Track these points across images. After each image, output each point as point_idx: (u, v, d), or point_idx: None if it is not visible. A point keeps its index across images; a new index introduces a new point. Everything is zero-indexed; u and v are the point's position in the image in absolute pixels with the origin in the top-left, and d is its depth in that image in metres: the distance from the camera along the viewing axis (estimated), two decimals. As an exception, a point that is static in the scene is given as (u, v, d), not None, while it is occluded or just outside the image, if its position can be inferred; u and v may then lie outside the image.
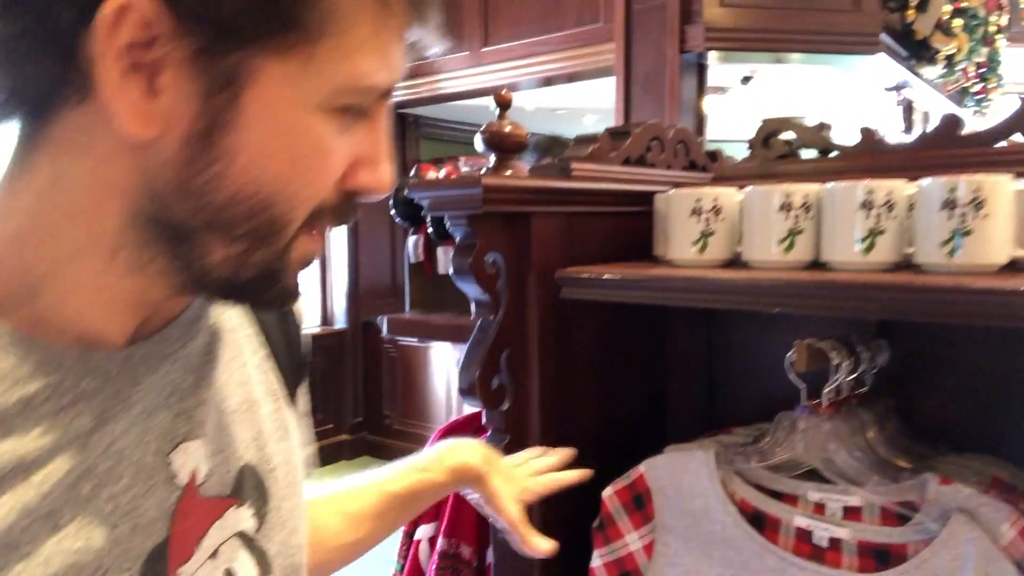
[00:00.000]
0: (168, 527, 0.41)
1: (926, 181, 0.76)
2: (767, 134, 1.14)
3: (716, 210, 0.91)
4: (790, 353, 0.86)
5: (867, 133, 1.05)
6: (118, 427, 0.40)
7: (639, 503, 0.96)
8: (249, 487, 0.48)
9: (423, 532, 1.43)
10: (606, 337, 1.05)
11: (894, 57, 2.96)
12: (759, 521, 0.90)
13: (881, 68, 3.02)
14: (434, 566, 1.35)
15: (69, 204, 0.38)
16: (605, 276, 0.88)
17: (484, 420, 0.99)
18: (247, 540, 0.47)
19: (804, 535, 0.87)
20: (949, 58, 3.08)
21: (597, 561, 0.98)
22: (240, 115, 0.36)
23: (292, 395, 0.56)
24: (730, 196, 0.91)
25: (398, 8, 0.40)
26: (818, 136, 1.11)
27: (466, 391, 0.95)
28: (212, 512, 0.45)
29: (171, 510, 0.42)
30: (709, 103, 3.13)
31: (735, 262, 0.92)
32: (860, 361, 0.89)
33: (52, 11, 0.33)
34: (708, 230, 0.91)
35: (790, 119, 1.14)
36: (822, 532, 0.86)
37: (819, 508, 0.88)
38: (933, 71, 3.17)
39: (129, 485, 0.40)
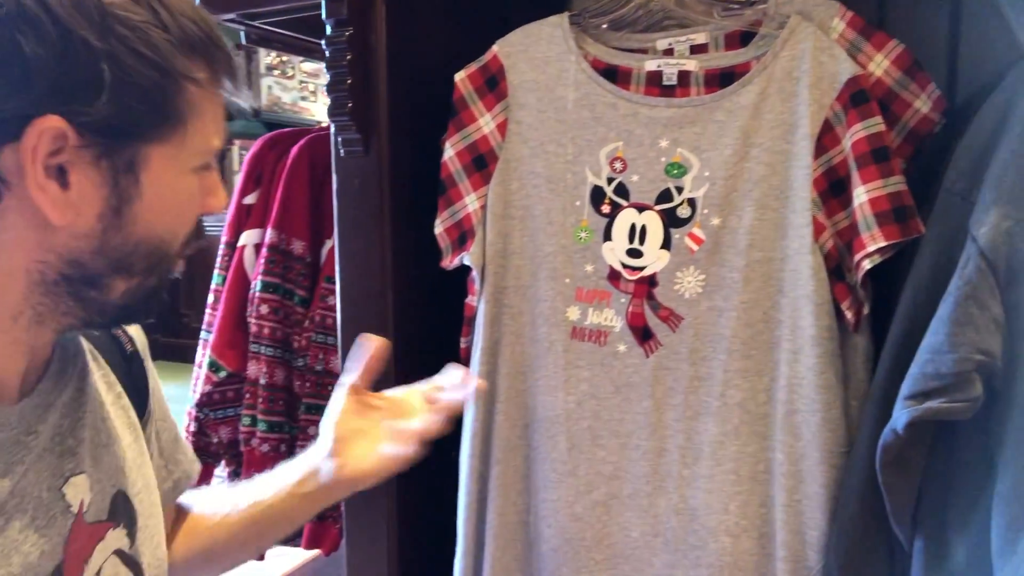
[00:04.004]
0: (63, 551, 0.50)
1: None
2: None
3: None
4: None
5: None
6: (20, 469, 0.49)
7: (492, 84, 0.94)
8: (121, 510, 0.56)
9: (248, 238, 1.32)
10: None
11: None
12: (612, 75, 0.90)
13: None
14: (263, 260, 1.25)
15: None
16: None
17: (325, 13, 0.91)
18: (124, 556, 0.56)
19: (655, 78, 0.89)
20: None
21: (450, 151, 0.95)
22: (142, 190, 0.48)
23: (143, 424, 0.64)
24: None
25: (223, 87, 0.52)
26: None
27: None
28: (95, 535, 0.54)
29: (65, 536, 0.51)
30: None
31: None
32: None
33: None
34: None
35: None
36: (671, 70, 0.88)
37: (668, 52, 0.89)
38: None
39: (33, 517, 0.49)
